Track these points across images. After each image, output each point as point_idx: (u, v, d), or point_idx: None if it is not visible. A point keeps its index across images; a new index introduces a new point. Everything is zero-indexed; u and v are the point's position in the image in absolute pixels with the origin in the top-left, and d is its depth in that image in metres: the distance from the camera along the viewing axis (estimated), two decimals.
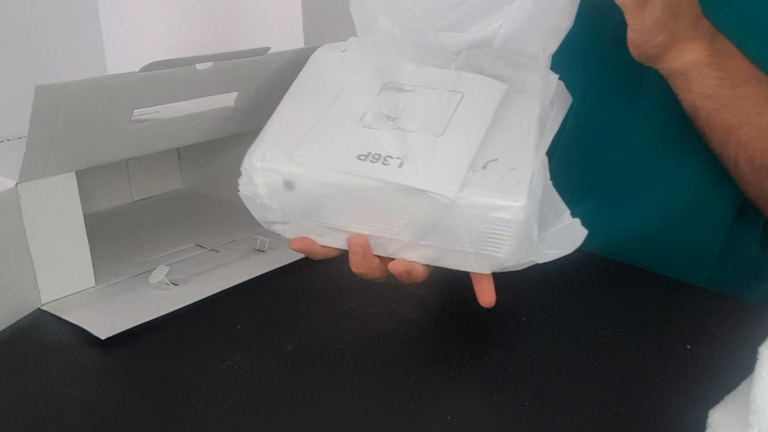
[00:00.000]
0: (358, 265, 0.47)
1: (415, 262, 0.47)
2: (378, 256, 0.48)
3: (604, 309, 0.55)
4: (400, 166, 0.45)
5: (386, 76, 0.52)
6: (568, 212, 0.47)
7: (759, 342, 0.32)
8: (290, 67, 0.68)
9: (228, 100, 0.66)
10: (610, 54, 0.65)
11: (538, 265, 0.45)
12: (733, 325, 0.52)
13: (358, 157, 0.46)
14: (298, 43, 1.38)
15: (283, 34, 1.44)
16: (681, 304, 0.56)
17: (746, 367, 0.33)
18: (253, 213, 0.50)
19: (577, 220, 0.47)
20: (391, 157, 0.45)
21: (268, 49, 0.66)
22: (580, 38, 0.58)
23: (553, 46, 0.52)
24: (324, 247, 0.48)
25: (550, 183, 0.47)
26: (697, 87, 0.56)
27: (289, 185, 0.47)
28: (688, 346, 0.49)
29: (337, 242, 0.48)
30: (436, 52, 0.53)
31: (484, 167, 0.45)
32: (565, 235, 0.46)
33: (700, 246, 0.68)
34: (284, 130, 0.50)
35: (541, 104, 0.48)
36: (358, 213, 0.47)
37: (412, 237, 0.46)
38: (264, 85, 0.68)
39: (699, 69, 0.55)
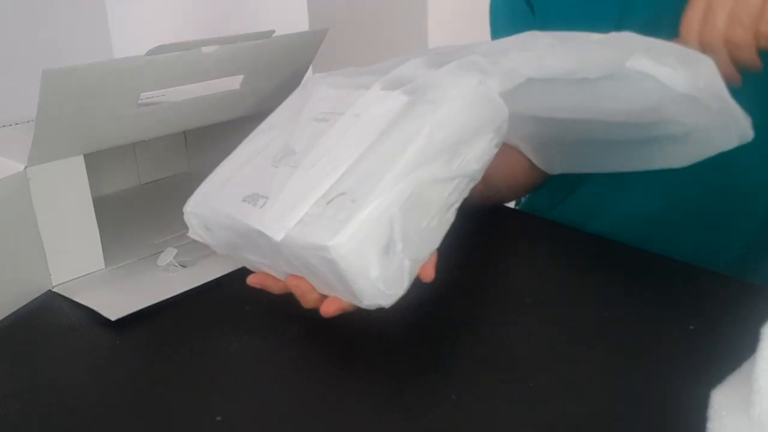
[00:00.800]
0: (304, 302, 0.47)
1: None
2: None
3: (608, 290, 0.56)
4: (261, 207, 0.45)
5: (319, 106, 0.50)
6: (399, 246, 0.41)
7: (761, 322, 0.32)
8: (295, 50, 0.68)
9: (234, 83, 0.66)
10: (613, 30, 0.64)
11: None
12: (735, 305, 0.52)
13: (243, 200, 0.46)
14: (303, 26, 1.38)
15: (287, 17, 1.44)
16: (684, 285, 0.56)
17: (749, 348, 0.33)
18: None
19: (402, 255, 0.41)
20: (262, 197, 0.45)
21: (273, 32, 0.66)
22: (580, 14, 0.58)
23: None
24: (278, 280, 0.49)
25: (399, 215, 0.41)
26: None
27: (207, 228, 0.51)
28: (692, 327, 0.50)
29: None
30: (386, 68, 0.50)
31: (329, 202, 0.42)
32: (396, 274, 0.42)
33: (707, 228, 0.68)
34: (221, 173, 0.52)
35: (438, 120, 0.42)
36: (256, 252, 0.47)
37: (301, 273, 0.45)
38: (269, 68, 0.68)
39: None
